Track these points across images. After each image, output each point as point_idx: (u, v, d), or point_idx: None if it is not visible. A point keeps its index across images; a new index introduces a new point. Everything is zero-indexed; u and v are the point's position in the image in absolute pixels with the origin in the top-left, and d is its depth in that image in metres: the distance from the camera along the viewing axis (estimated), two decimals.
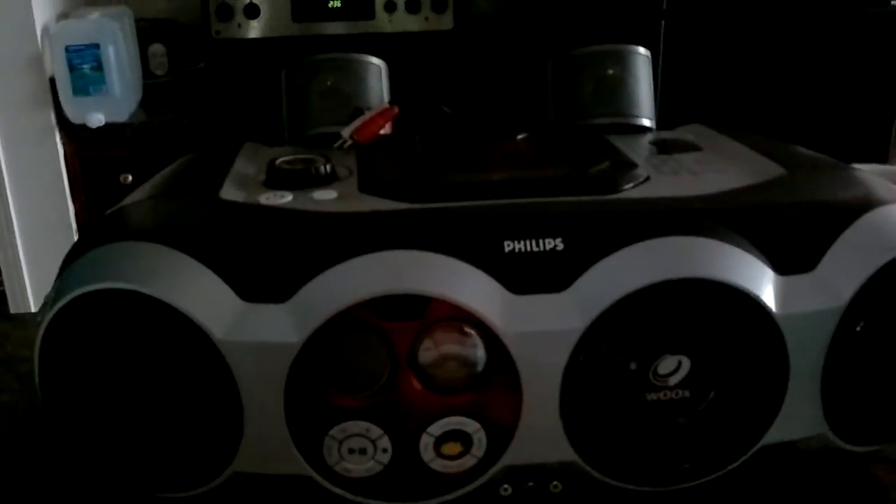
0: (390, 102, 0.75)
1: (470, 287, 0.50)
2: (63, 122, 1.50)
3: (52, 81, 1.47)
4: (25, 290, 1.58)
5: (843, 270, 0.53)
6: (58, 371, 0.51)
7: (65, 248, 0.54)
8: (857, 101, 1.16)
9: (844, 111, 1.15)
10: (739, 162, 0.64)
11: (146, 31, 1.65)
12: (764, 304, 0.51)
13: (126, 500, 0.56)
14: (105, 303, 0.49)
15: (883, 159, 1.24)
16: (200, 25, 1.61)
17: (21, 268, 1.57)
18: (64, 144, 1.53)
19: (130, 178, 1.49)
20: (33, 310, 1.52)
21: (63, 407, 0.52)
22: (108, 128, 1.48)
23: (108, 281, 0.49)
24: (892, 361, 0.55)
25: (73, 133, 1.51)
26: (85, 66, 1.44)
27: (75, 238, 0.57)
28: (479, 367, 0.51)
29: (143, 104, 1.59)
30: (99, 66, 1.45)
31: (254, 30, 1.60)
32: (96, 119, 1.47)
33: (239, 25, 1.59)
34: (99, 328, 0.50)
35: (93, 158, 1.53)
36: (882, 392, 0.56)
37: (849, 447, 0.57)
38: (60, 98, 1.47)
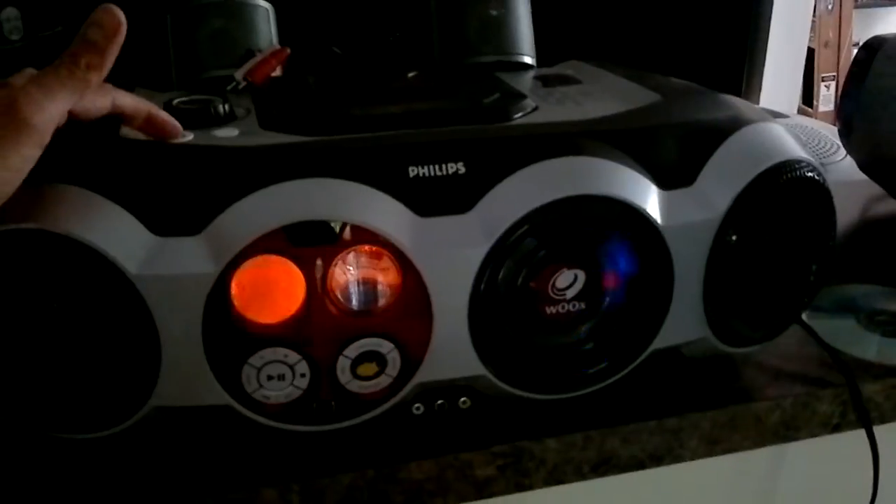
0: (280, 44, 0.75)
1: (380, 211, 0.52)
2: None
3: None
4: None
5: (718, 184, 0.57)
6: None
7: None
8: (713, 36, 1.20)
9: (701, 46, 1.20)
10: (618, 91, 0.68)
11: None
12: (650, 216, 0.55)
13: (44, 443, 0.56)
14: (12, 244, 0.49)
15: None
16: None
17: None
18: None
19: None
20: None
21: None
22: None
23: (13, 222, 0.49)
24: (763, 268, 0.60)
25: None
26: None
27: None
28: (392, 289, 0.53)
29: None
30: None
31: None
32: None
33: None
34: (7, 271, 0.50)
35: None
36: (755, 296, 0.61)
37: (729, 350, 0.62)
38: None
